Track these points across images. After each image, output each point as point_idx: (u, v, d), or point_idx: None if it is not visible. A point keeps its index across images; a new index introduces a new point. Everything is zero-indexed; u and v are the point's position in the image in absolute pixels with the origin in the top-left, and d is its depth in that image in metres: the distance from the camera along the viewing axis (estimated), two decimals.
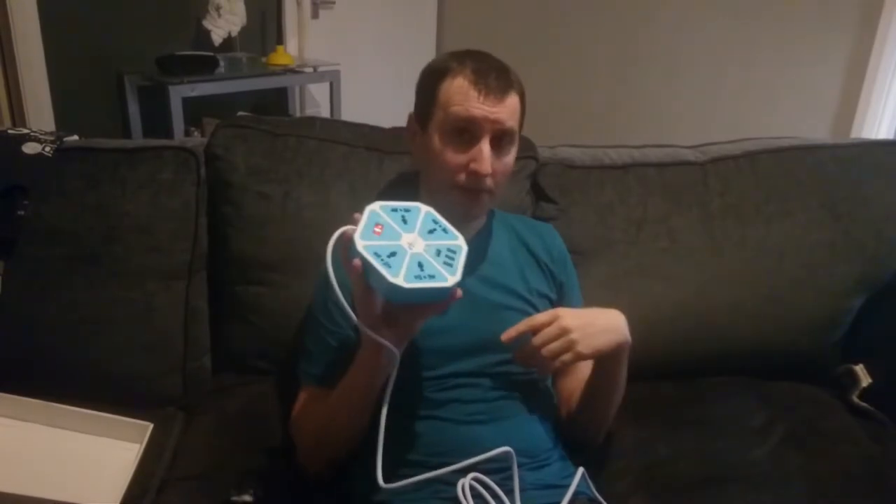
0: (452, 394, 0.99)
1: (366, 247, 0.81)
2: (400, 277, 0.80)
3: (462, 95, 0.98)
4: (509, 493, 0.91)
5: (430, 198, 1.03)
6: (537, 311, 1.09)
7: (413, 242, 0.85)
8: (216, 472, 1.05)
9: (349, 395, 0.94)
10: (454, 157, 0.99)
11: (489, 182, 0.99)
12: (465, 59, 1.01)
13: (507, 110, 0.98)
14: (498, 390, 1.02)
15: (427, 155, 1.03)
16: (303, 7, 2.95)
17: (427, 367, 1.01)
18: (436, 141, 1.00)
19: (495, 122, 0.97)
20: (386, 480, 0.85)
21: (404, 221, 0.87)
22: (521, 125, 1.04)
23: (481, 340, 1.01)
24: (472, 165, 0.97)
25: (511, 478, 0.93)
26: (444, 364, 1.00)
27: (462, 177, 0.99)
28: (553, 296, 1.12)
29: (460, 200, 1.01)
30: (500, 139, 0.99)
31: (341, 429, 0.97)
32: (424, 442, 0.97)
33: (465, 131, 0.98)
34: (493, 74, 0.98)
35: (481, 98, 0.97)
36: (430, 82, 1.02)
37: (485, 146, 0.97)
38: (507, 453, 0.92)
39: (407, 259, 0.83)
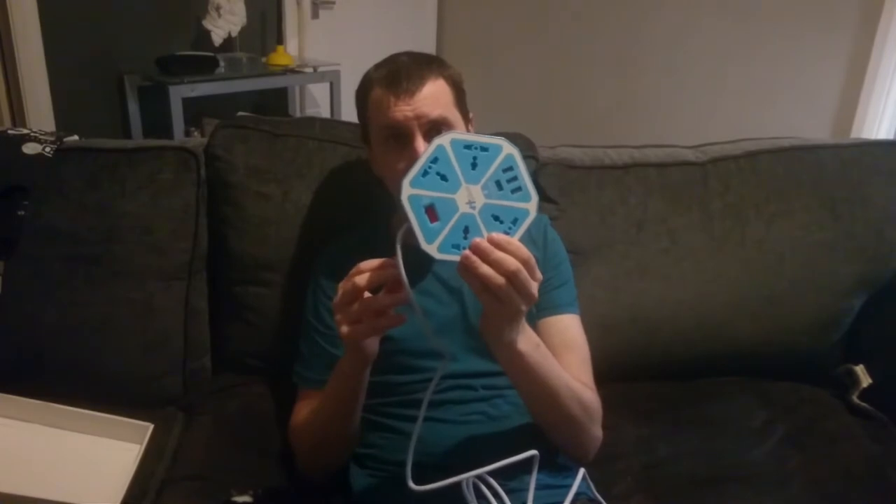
0: (448, 395, 0.99)
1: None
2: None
3: (380, 105, 1.00)
4: (510, 492, 0.91)
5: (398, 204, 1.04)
6: (531, 308, 1.08)
7: (473, 198, 0.75)
8: (216, 472, 1.05)
9: (338, 402, 0.95)
10: (396, 164, 0.99)
11: None
12: (380, 67, 1.03)
13: (427, 101, 0.98)
14: (494, 390, 1.02)
15: (377, 167, 1.07)
16: (303, 7, 2.95)
17: (420, 368, 1.01)
18: (378, 153, 1.04)
19: (418, 117, 0.97)
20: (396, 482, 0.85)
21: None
22: (459, 104, 1.03)
23: (476, 341, 1.01)
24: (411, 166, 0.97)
25: (512, 478, 0.93)
26: (438, 365, 1.00)
27: None
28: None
29: None
30: (433, 130, 0.98)
31: (336, 433, 0.98)
32: (425, 443, 0.96)
33: (397, 136, 0.99)
34: (403, 73, 0.99)
35: (397, 101, 0.97)
36: (359, 100, 1.06)
37: (417, 144, 0.97)
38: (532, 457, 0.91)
39: (454, 220, 0.74)
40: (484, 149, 0.76)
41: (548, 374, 0.90)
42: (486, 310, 0.79)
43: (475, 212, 0.75)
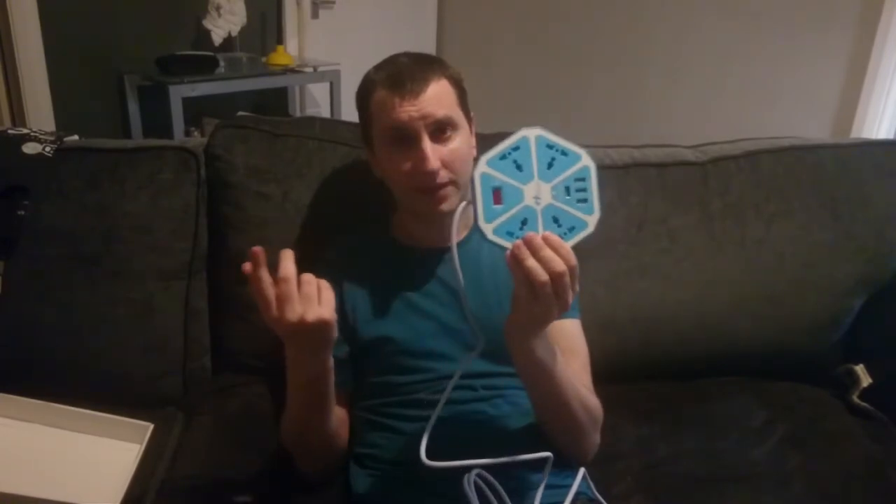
0: (448, 395, 0.99)
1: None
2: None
3: (384, 106, 0.99)
4: (509, 492, 0.91)
5: (400, 206, 1.08)
6: None
7: (540, 194, 0.77)
8: (216, 472, 1.05)
9: (309, 409, 0.95)
10: (402, 165, 0.99)
11: (443, 175, 0.99)
12: (381, 69, 1.03)
13: (432, 101, 0.98)
14: (494, 390, 1.02)
15: (382, 170, 1.06)
16: (303, 7, 2.96)
17: (420, 369, 1.01)
18: (382, 155, 1.04)
19: (423, 117, 0.97)
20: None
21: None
22: (461, 103, 1.04)
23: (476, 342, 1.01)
24: (418, 167, 0.97)
25: (512, 477, 0.93)
26: (438, 366, 1.00)
27: (415, 181, 0.99)
28: None
29: (426, 202, 1.01)
30: (439, 130, 0.99)
31: (315, 432, 0.98)
32: (427, 442, 0.97)
33: (402, 137, 0.99)
34: (406, 73, 0.99)
35: (402, 102, 0.97)
36: (361, 103, 1.05)
37: (424, 144, 0.97)
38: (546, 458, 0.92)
39: (516, 209, 0.76)
40: (565, 153, 0.79)
41: (561, 383, 0.91)
42: (519, 308, 0.80)
43: (538, 208, 0.77)
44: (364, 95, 1.04)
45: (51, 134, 1.30)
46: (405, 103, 0.97)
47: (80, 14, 2.51)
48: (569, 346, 1.06)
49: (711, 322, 1.34)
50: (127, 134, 2.70)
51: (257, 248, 0.80)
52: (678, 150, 1.43)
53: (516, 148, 0.78)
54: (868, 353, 1.36)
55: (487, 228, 0.75)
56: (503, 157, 0.77)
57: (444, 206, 1.00)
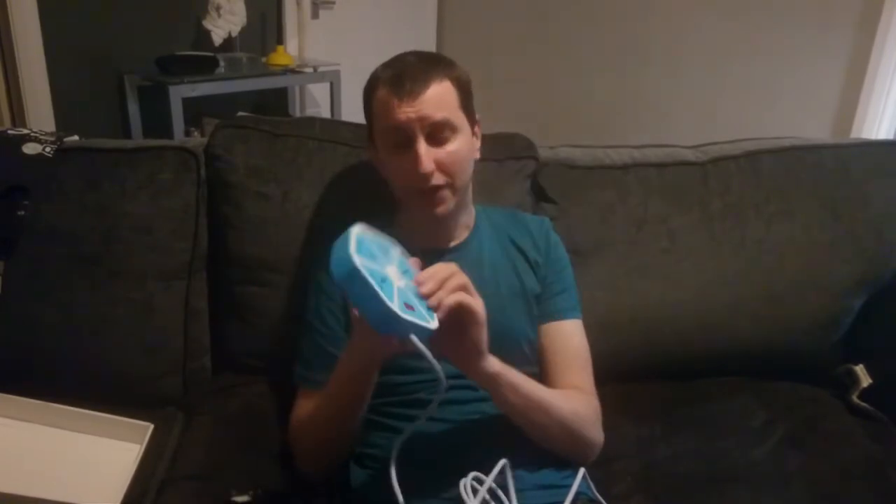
0: (448, 395, 0.99)
1: (361, 264, 0.75)
2: (395, 305, 0.74)
3: (384, 106, 0.99)
4: (507, 492, 0.91)
5: (401, 206, 1.09)
6: (533, 312, 1.09)
7: (395, 276, 0.80)
8: (216, 472, 1.05)
9: (347, 400, 0.95)
10: (400, 165, 1.00)
11: (438, 178, 0.99)
12: (388, 67, 1.02)
13: (430, 103, 0.97)
14: None
15: (381, 168, 1.07)
16: (303, 7, 2.95)
17: (421, 369, 1.01)
18: (382, 154, 1.04)
19: (421, 119, 0.97)
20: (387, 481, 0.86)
21: (383, 252, 0.83)
22: (464, 106, 1.03)
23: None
24: (414, 168, 0.98)
25: (512, 478, 0.93)
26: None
27: (411, 181, 1.00)
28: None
29: (421, 204, 1.02)
30: (436, 132, 0.99)
31: (340, 431, 0.98)
32: (427, 442, 0.97)
33: (400, 138, 0.99)
34: (408, 73, 0.98)
35: (400, 102, 0.97)
36: (365, 100, 1.06)
37: (419, 146, 0.97)
38: (504, 464, 0.92)
39: (395, 290, 0.78)
40: (386, 243, 0.88)
41: (526, 385, 0.94)
42: (468, 339, 0.86)
43: (402, 285, 0.81)
44: (369, 93, 1.04)
45: (51, 134, 1.30)
46: (403, 104, 0.97)
47: (80, 14, 2.51)
48: (566, 347, 1.06)
49: (711, 322, 1.34)
50: (127, 134, 2.70)
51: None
52: (678, 150, 1.43)
53: (386, 243, 0.86)
54: (868, 353, 1.36)
55: (355, 256, 0.76)
56: (374, 238, 0.84)
57: (439, 210, 1.01)
